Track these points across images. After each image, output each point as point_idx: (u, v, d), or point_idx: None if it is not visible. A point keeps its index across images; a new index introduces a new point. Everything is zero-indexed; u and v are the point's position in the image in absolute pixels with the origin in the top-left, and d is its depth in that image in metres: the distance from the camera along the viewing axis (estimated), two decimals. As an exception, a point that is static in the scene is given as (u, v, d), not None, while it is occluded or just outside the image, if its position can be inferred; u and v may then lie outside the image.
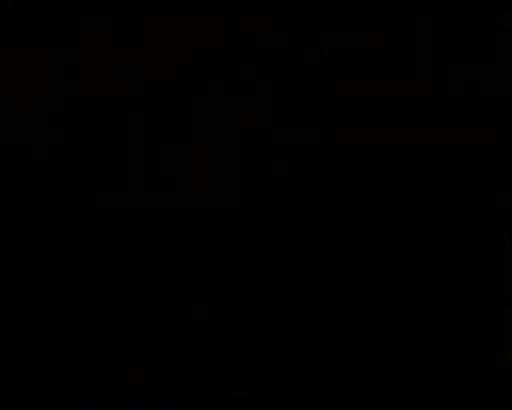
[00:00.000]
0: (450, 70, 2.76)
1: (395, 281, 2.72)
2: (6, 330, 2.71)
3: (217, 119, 2.77)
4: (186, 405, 2.69)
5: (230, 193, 2.75)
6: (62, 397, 2.68)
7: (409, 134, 2.75)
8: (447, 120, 2.75)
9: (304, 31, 2.76)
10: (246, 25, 2.76)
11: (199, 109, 2.77)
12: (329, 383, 2.69)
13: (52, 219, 2.74)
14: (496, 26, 2.74)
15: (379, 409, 2.67)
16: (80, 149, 2.76)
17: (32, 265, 2.73)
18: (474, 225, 2.73)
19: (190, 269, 2.73)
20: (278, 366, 2.70)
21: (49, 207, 2.75)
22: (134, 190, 2.75)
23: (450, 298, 2.71)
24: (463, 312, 2.70)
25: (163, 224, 2.74)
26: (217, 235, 2.74)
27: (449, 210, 2.74)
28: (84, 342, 2.71)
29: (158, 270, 2.73)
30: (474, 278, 2.71)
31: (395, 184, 2.74)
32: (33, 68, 2.77)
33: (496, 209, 2.73)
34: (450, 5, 2.75)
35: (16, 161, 2.75)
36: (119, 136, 2.77)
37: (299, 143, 2.76)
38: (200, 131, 2.77)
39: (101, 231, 2.74)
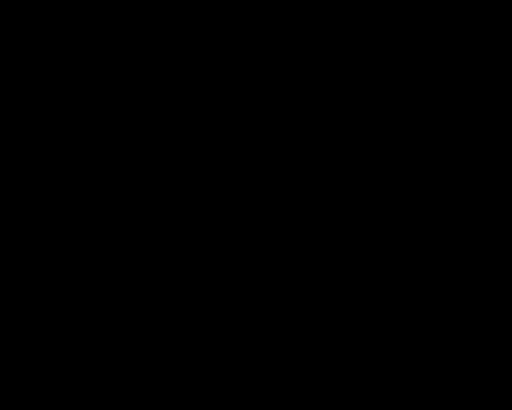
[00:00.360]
0: (452, 68, 2.75)
1: (399, 284, 2.72)
2: (6, 333, 2.71)
3: (217, 118, 2.77)
4: (185, 408, 2.69)
5: (230, 193, 2.75)
6: (61, 401, 2.68)
7: (409, 134, 2.75)
8: (448, 119, 2.75)
9: (303, 29, 2.76)
10: (245, 22, 2.76)
11: (199, 109, 2.77)
12: (333, 386, 2.69)
13: (52, 219, 2.74)
14: (499, 22, 2.74)
15: None
16: (80, 149, 2.76)
17: (32, 265, 2.73)
18: (475, 224, 2.73)
19: (190, 270, 2.73)
20: (278, 369, 2.70)
21: (49, 208, 2.75)
22: (134, 190, 2.75)
23: (457, 299, 2.71)
24: (471, 314, 2.70)
25: (163, 224, 2.74)
26: (217, 235, 2.74)
27: (450, 210, 2.74)
28: (83, 345, 2.71)
29: (158, 271, 2.73)
30: (485, 280, 2.71)
31: (395, 184, 2.74)
32: (33, 68, 2.77)
33: (498, 209, 2.73)
34: (452, 2, 2.75)
35: (16, 161, 2.75)
36: (119, 136, 2.76)
37: (299, 142, 2.76)
38: (200, 130, 2.77)
39: (101, 231, 2.74)
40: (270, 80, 2.76)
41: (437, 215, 2.73)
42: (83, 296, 2.72)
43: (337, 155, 2.75)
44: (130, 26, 2.76)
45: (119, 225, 2.74)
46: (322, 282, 2.72)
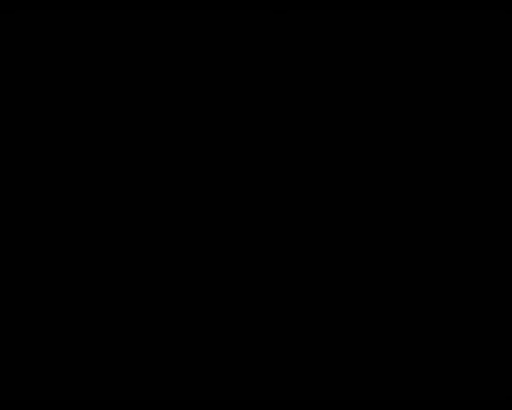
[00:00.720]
0: (452, 68, 2.75)
1: (399, 284, 2.72)
2: (6, 333, 2.71)
3: (217, 118, 2.77)
4: (185, 408, 2.69)
5: (230, 193, 2.75)
6: (61, 401, 2.69)
7: (409, 134, 2.75)
8: (448, 119, 2.75)
9: (303, 29, 2.76)
10: (245, 22, 2.76)
11: (199, 109, 2.77)
12: (335, 386, 2.69)
13: (52, 219, 2.74)
14: (499, 22, 2.74)
15: None
16: (80, 148, 2.76)
17: (32, 265, 2.73)
18: (475, 224, 2.73)
19: (190, 270, 2.73)
20: (278, 369, 2.70)
21: (49, 208, 2.75)
22: (134, 190, 2.75)
23: (457, 299, 2.71)
24: (471, 314, 2.70)
25: (163, 224, 2.74)
26: (217, 235, 2.74)
27: (450, 210, 2.74)
28: (83, 345, 2.71)
29: (158, 271, 2.73)
30: (485, 280, 2.71)
31: (395, 184, 2.74)
32: (33, 68, 2.77)
33: (498, 209, 2.73)
34: (452, 2, 2.75)
35: (16, 161, 2.75)
36: (119, 135, 2.76)
37: (299, 142, 2.76)
38: (200, 130, 2.77)
39: (101, 231, 2.74)
40: (270, 80, 2.76)
41: (437, 215, 2.73)
42: (83, 296, 2.71)
43: (337, 155, 2.75)
44: (131, 26, 2.76)
45: (119, 225, 2.74)
46: (323, 282, 2.72)
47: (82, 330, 2.71)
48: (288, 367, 2.69)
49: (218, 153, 2.76)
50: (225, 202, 2.75)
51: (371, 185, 2.74)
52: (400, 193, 2.73)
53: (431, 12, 2.74)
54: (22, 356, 2.69)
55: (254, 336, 2.71)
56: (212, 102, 2.76)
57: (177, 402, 2.68)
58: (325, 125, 2.76)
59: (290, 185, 2.75)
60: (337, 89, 2.76)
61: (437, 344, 2.69)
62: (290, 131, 2.76)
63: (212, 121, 2.77)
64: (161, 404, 2.68)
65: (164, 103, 2.77)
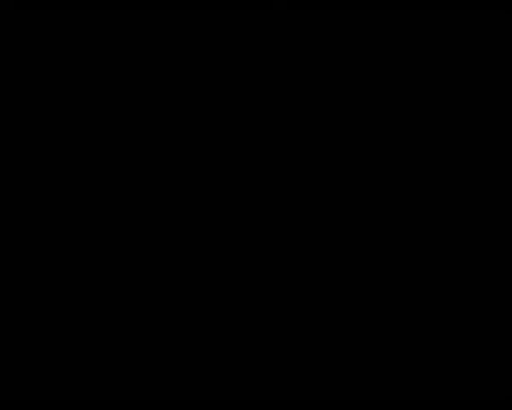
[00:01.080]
0: (452, 68, 2.75)
1: (399, 284, 2.72)
2: (6, 333, 2.71)
3: (217, 118, 2.77)
4: (185, 408, 2.69)
5: (230, 193, 2.75)
6: (61, 401, 2.68)
7: (409, 134, 2.75)
8: (448, 119, 2.75)
9: (304, 29, 2.76)
10: (245, 21, 2.76)
11: (198, 109, 2.77)
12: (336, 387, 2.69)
13: (52, 219, 2.74)
14: (499, 22, 2.74)
15: None
16: (80, 149, 2.76)
17: (32, 265, 2.72)
18: (475, 224, 2.73)
19: (190, 270, 2.73)
20: (278, 369, 2.70)
21: (49, 208, 2.75)
22: (134, 190, 2.75)
23: (457, 299, 2.71)
24: (471, 314, 2.70)
25: (163, 224, 2.74)
26: (217, 235, 2.74)
27: (450, 211, 2.74)
28: (83, 345, 2.71)
29: (158, 271, 2.73)
30: (484, 280, 2.71)
31: (395, 184, 2.74)
32: (33, 68, 2.77)
33: (498, 209, 2.73)
34: (452, 2, 2.75)
35: (16, 161, 2.75)
36: (120, 136, 2.76)
37: (299, 143, 2.76)
38: (200, 130, 2.77)
39: (101, 231, 2.74)
40: (270, 80, 2.76)
41: (437, 215, 2.73)
42: (83, 296, 2.71)
43: (337, 156, 2.75)
44: (131, 26, 2.76)
45: (119, 225, 2.74)
46: (322, 282, 2.72)
47: (82, 331, 2.71)
48: (288, 367, 2.69)
49: (217, 153, 2.76)
50: (225, 202, 2.75)
51: (371, 185, 2.74)
52: (400, 193, 2.73)
53: (431, 12, 2.74)
54: (22, 356, 2.69)
55: (254, 337, 2.71)
56: (212, 102, 2.76)
57: (177, 402, 2.68)
58: (325, 125, 2.75)
59: (290, 185, 2.75)
60: (337, 89, 2.76)
61: (437, 344, 2.69)
62: (290, 130, 2.75)
63: (211, 121, 2.76)
64: (161, 404, 2.68)
65: (164, 103, 2.77)
